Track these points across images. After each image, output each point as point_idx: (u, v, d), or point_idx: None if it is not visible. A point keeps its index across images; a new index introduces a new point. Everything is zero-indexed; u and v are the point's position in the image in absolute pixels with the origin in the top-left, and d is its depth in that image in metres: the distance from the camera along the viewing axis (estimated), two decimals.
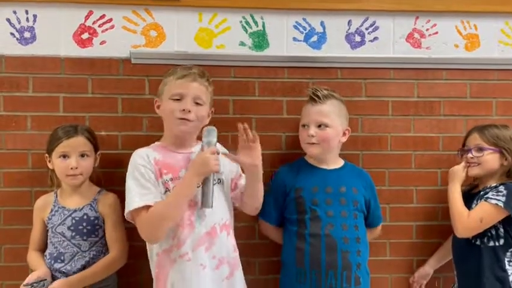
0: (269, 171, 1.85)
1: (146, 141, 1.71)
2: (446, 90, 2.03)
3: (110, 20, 1.91)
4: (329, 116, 1.76)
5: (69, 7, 1.89)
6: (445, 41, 2.03)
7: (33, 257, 1.75)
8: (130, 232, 1.73)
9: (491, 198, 1.72)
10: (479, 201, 1.76)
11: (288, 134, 1.94)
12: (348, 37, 2.00)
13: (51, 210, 1.74)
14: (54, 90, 1.89)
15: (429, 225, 2.02)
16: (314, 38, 1.99)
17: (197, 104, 1.62)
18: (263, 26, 1.97)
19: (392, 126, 2.01)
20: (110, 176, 1.76)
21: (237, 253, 1.67)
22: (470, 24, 2.04)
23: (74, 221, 1.71)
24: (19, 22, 1.88)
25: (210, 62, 1.91)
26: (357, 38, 2.00)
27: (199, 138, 1.66)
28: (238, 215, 1.79)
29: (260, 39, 1.97)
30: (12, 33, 1.88)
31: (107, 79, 1.91)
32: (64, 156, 1.70)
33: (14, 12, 1.88)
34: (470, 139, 1.84)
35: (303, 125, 1.81)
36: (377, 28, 2.01)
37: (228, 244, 1.63)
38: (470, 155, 1.81)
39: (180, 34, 1.93)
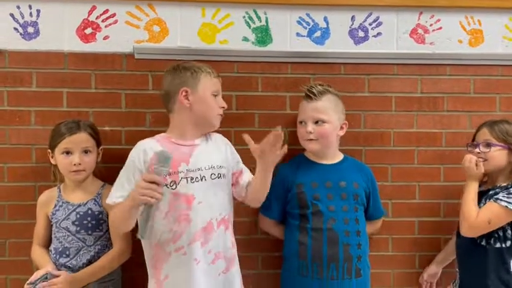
0: None
1: (149, 137, 1.70)
2: (449, 86, 2.02)
3: (114, 15, 1.91)
4: (325, 112, 1.77)
5: (72, 2, 1.89)
6: (449, 36, 2.02)
7: (37, 253, 1.76)
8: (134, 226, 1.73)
9: (501, 200, 1.67)
10: (487, 200, 1.72)
11: (290, 129, 1.95)
12: (352, 32, 2.00)
13: (55, 205, 1.75)
14: (57, 85, 1.89)
15: (431, 221, 2.02)
16: (317, 34, 1.98)
17: None
18: (266, 21, 1.96)
19: (395, 122, 2.01)
20: (113, 171, 1.75)
21: (235, 249, 1.68)
22: (474, 20, 2.03)
23: (78, 216, 1.72)
24: (22, 17, 1.88)
25: (213, 57, 1.91)
26: (361, 34, 2.00)
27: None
28: (239, 210, 1.80)
29: (263, 35, 1.96)
30: (15, 28, 1.88)
31: (110, 74, 1.91)
32: (67, 152, 1.71)
33: (18, 7, 1.88)
34: (480, 134, 1.79)
35: (301, 122, 1.82)
36: (380, 23, 2.00)
37: (225, 239, 1.64)
38: (477, 150, 1.76)
39: (183, 29, 1.93)
